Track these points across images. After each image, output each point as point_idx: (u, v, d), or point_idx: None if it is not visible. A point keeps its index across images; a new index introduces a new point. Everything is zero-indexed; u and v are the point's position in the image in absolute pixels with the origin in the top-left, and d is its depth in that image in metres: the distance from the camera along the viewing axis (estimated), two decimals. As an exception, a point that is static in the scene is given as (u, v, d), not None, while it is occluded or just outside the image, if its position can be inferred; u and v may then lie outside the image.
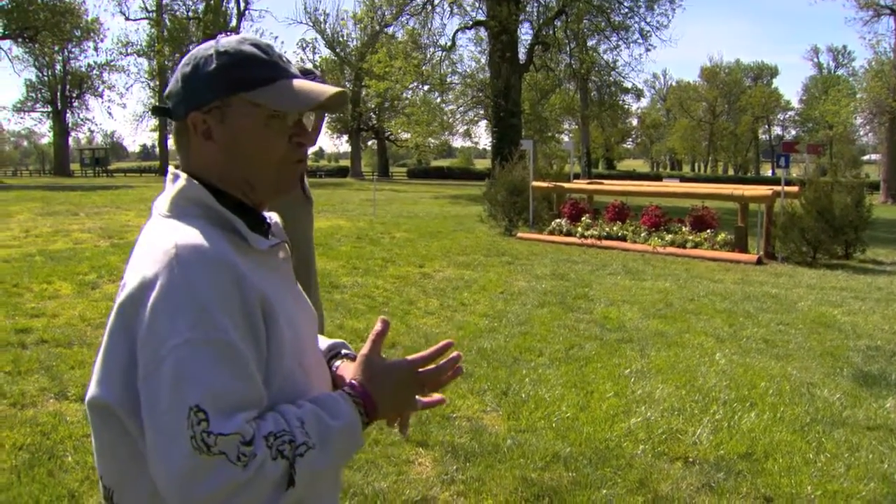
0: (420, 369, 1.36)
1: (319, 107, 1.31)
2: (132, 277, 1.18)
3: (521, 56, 34.30)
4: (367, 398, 1.29)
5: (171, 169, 1.33)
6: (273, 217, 1.46)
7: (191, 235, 1.19)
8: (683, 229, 13.60)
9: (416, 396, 1.39)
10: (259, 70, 1.27)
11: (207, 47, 1.30)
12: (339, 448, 1.22)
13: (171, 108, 1.31)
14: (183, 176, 1.28)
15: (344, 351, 1.57)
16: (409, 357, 1.37)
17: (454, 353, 1.41)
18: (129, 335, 1.15)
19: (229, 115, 1.27)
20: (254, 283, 1.20)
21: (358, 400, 1.28)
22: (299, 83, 1.30)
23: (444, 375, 1.39)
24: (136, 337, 1.13)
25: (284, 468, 1.13)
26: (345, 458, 1.28)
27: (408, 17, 34.73)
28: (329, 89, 1.30)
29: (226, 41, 1.30)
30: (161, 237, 1.20)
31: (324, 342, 1.58)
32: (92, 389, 1.21)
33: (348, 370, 1.46)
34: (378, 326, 1.38)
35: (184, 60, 1.31)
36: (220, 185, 1.29)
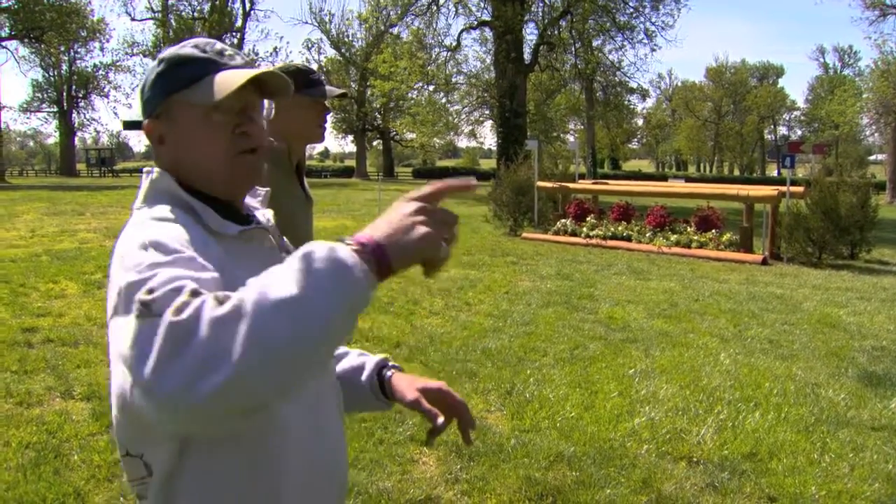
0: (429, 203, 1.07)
1: (267, 92, 1.35)
2: (116, 247, 1.18)
3: (527, 56, 34.28)
4: (364, 237, 1.01)
5: (144, 169, 1.37)
6: (265, 213, 1.45)
7: (155, 210, 1.24)
8: (688, 229, 13.59)
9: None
10: (190, 69, 1.30)
11: (156, 60, 1.36)
12: (313, 278, 0.93)
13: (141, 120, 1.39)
14: (155, 169, 1.34)
15: (391, 363, 1.66)
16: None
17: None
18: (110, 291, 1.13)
19: (173, 118, 1.32)
20: (214, 254, 1.17)
21: (349, 242, 1.00)
22: (223, 74, 1.29)
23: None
24: (111, 283, 1.11)
25: (232, 305, 0.92)
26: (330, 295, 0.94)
27: (413, 17, 34.74)
28: (247, 73, 1.27)
29: (169, 50, 1.35)
30: (131, 220, 1.25)
31: (368, 358, 1.66)
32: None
33: (403, 379, 1.58)
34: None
35: None
36: (186, 183, 1.32)
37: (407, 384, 1.59)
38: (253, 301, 0.91)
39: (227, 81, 1.27)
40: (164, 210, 1.24)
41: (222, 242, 1.25)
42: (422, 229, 1.01)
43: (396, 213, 1.04)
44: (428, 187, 1.06)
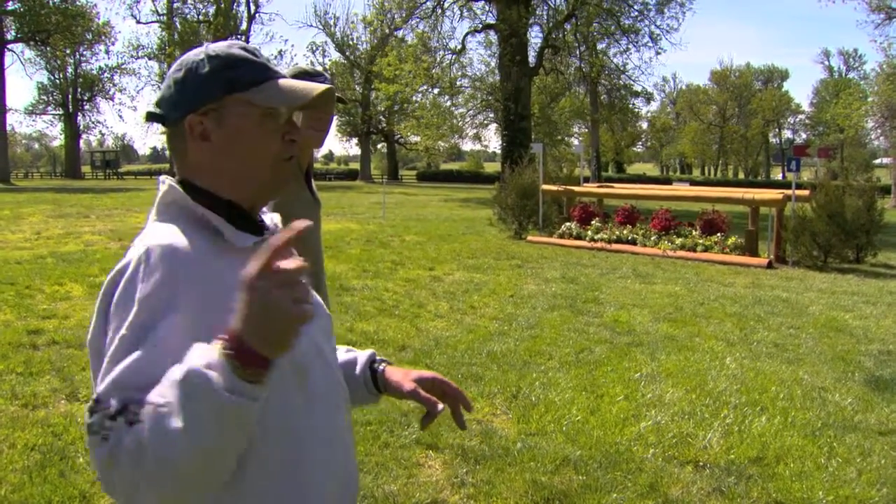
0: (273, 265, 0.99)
1: (309, 104, 1.33)
2: (112, 270, 1.24)
3: (531, 59, 34.32)
4: (227, 334, 1.02)
5: (160, 177, 1.36)
6: (273, 217, 1.46)
7: (162, 233, 1.23)
8: (694, 233, 13.56)
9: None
10: (251, 70, 1.31)
11: (197, 52, 1.33)
12: (195, 404, 1.00)
13: (165, 113, 1.34)
14: (167, 181, 1.32)
15: (378, 357, 1.68)
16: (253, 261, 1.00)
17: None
18: (104, 325, 1.19)
19: (226, 116, 1.30)
20: (225, 279, 1.15)
21: (223, 341, 1.02)
22: (288, 82, 1.33)
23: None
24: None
25: (137, 434, 1.03)
26: (205, 410, 1.01)
27: (417, 20, 34.80)
28: (317, 86, 1.33)
29: (215, 46, 1.34)
30: (141, 236, 1.26)
31: (359, 353, 1.67)
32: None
33: (397, 372, 1.62)
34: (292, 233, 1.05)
35: (174, 66, 1.34)
36: (213, 185, 1.32)
37: (402, 376, 1.61)
38: (149, 438, 1.01)
39: (303, 89, 1.32)
40: (171, 234, 1.23)
41: (233, 252, 1.26)
42: (271, 305, 0.98)
43: (243, 298, 1.00)
44: (260, 257, 0.99)
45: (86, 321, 7.15)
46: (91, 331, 1.22)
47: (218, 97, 1.29)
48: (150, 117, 1.35)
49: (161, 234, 1.23)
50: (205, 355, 1.01)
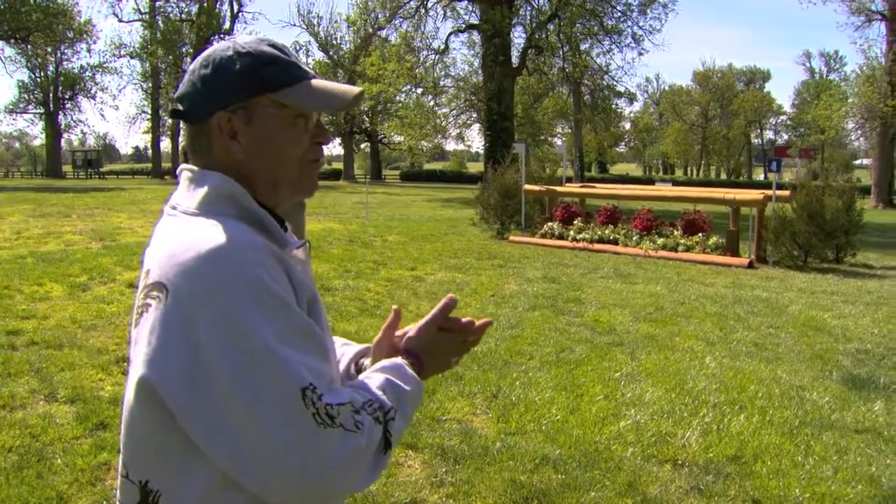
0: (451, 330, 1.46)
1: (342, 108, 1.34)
2: (181, 277, 1.14)
3: (515, 60, 34.34)
4: (420, 363, 1.38)
5: (189, 167, 1.31)
6: None
7: (237, 230, 1.19)
8: (675, 233, 13.62)
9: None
10: (283, 70, 1.28)
11: (225, 48, 1.29)
12: (411, 410, 1.30)
13: (188, 109, 1.30)
14: (216, 173, 1.27)
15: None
16: (444, 325, 1.44)
17: (482, 321, 1.50)
18: (192, 335, 1.11)
19: (256, 116, 1.27)
20: (301, 278, 1.24)
21: (415, 364, 1.36)
22: (322, 83, 1.31)
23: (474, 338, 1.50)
24: (202, 336, 1.10)
25: (381, 433, 1.20)
26: (411, 420, 1.34)
27: (401, 20, 34.75)
28: (352, 89, 1.31)
29: (244, 41, 1.31)
30: (205, 233, 1.18)
31: (349, 347, 1.65)
32: (142, 368, 1.14)
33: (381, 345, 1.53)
34: (447, 301, 1.43)
35: (199, 62, 1.30)
36: (243, 185, 1.27)
37: (387, 344, 1.49)
38: (394, 431, 1.24)
39: (340, 92, 1.31)
40: (245, 231, 1.20)
41: (285, 254, 1.26)
42: (445, 365, 1.49)
43: (448, 342, 1.46)
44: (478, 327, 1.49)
45: (66, 321, 7.11)
46: (160, 333, 1.13)
47: (250, 96, 1.27)
48: (174, 114, 1.32)
49: (235, 231, 1.18)
50: (411, 371, 1.33)
